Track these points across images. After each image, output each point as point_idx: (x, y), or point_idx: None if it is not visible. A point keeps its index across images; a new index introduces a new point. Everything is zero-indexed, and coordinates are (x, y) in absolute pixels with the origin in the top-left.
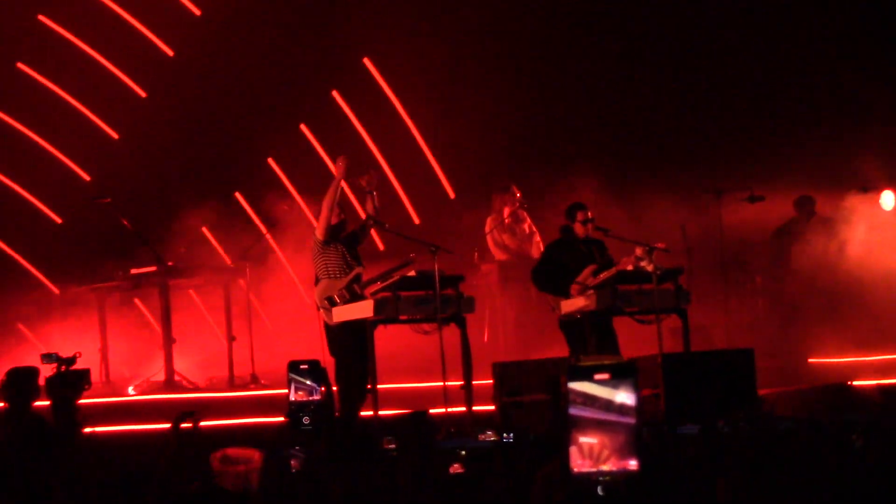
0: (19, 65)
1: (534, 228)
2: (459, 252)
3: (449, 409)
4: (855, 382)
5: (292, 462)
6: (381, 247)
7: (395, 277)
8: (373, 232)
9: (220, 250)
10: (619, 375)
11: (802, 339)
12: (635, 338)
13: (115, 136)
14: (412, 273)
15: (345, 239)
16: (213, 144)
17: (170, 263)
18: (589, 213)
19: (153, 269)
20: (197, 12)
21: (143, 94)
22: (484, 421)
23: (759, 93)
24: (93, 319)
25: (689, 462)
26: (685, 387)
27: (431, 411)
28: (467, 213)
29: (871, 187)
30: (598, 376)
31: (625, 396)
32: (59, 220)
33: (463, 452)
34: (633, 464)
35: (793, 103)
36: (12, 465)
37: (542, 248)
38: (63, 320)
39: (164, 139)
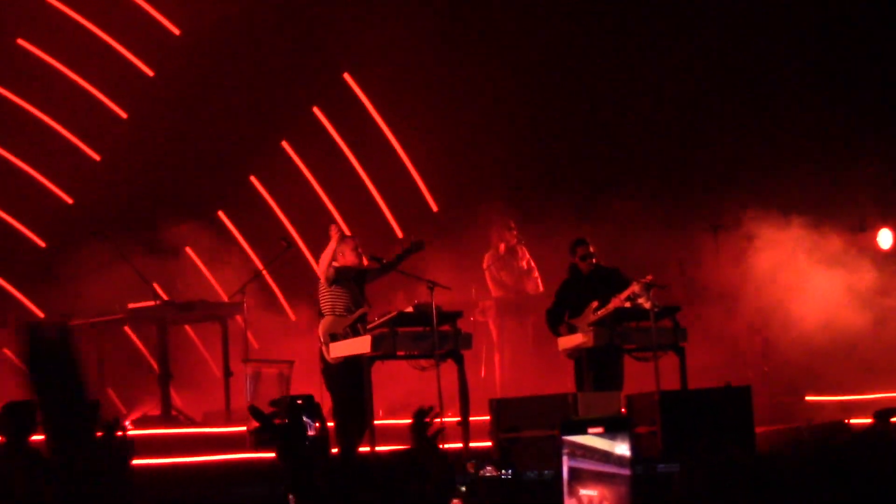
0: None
1: (532, 264)
2: (456, 287)
3: (446, 446)
4: (851, 421)
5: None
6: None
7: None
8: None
9: (213, 280)
10: (614, 428)
11: (800, 377)
12: (638, 373)
13: (97, 157)
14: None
15: (353, 278)
16: (195, 162)
17: (166, 298)
18: (590, 248)
19: (152, 304)
20: (176, 32)
21: (124, 114)
22: (481, 457)
23: (761, 130)
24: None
25: (677, 499)
26: (682, 424)
27: None
28: (451, 228)
29: (867, 226)
30: (592, 430)
31: (622, 448)
32: (42, 245)
33: (463, 489)
34: None
35: (794, 140)
36: (9, 499)
37: (539, 284)
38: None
39: (147, 159)
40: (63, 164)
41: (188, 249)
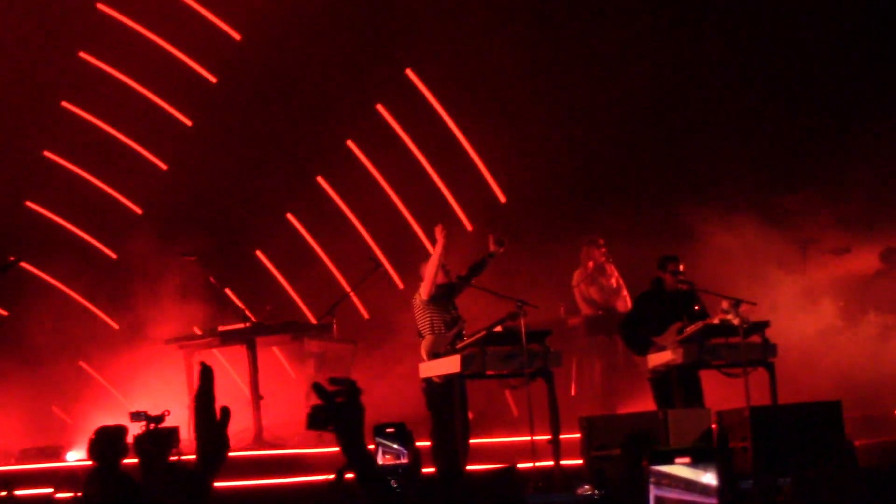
0: (64, 103)
1: (621, 282)
2: (544, 304)
3: (537, 464)
4: None
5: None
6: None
7: (500, 328)
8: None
9: (303, 307)
10: (701, 459)
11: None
12: (724, 390)
13: (163, 167)
14: (519, 322)
15: (445, 293)
16: (261, 167)
17: (254, 320)
18: (680, 266)
19: (241, 326)
20: (237, 37)
21: (188, 122)
22: (572, 475)
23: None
24: (178, 373)
25: None
26: (773, 439)
27: (520, 466)
28: (524, 224)
29: None
30: (679, 460)
31: (708, 477)
32: (114, 256)
33: None
34: None
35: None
36: None
37: (628, 303)
38: (146, 374)
39: (213, 166)
40: (130, 174)
41: (259, 254)
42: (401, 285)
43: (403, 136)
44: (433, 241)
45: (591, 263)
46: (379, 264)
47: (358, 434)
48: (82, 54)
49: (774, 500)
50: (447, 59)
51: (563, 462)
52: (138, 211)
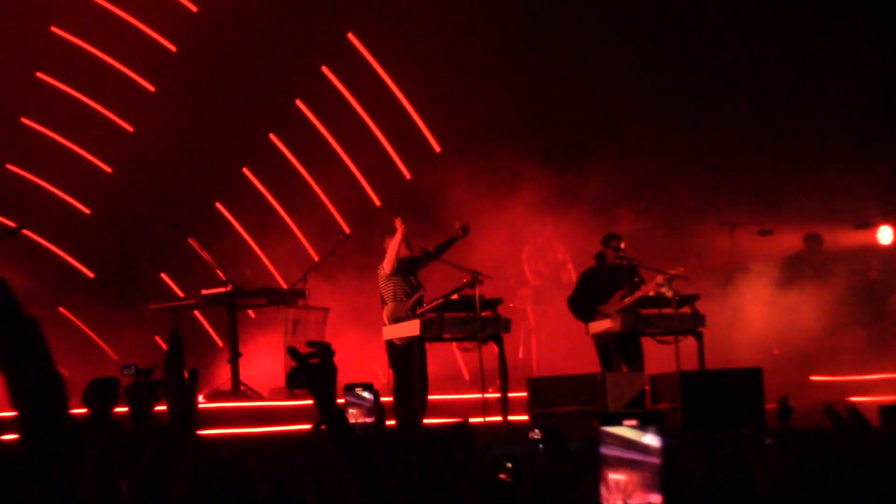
0: (38, 74)
1: (567, 256)
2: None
3: (487, 419)
4: (853, 398)
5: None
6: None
7: (457, 296)
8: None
9: (275, 273)
10: (647, 422)
11: (806, 358)
12: (658, 355)
13: (130, 128)
14: (474, 290)
15: (407, 266)
16: (217, 129)
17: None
18: (622, 244)
19: (223, 290)
20: (194, 8)
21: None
22: (519, 430)
23: (770, 131)
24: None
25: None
26: (700, 401)
27: (472, 421)
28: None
29: (868, 223)
30: (627, 422)
31: (650, 438)
32: (87, 211)
33: (509, 465)
34: (656, 499)
35: (800, 141)
36: (93, 465)
37: (573, 275)
38: (139, 333)
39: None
40: (101, 137)
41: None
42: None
43: (347, 95)
44: (390, 218)
45: (539, 239)
46: (348, 237)
47: (330, 392)
48: (53, 28)
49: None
50: (388, 21)
51: (510, 418)
52: (108, 170)
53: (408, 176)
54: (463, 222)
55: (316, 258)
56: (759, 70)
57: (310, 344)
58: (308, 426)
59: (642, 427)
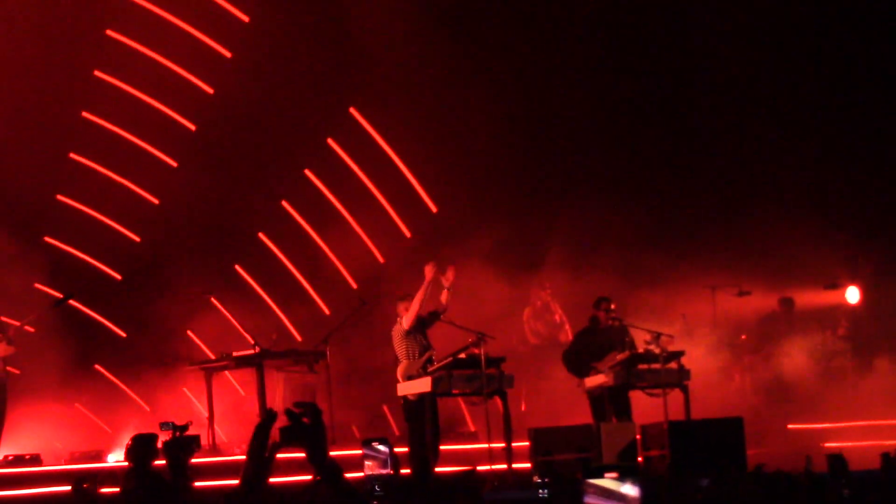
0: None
1: (564, 318)
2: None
3: (493, 467)
4: (826, 444)
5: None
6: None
7: (464, 355)
8: None
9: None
10: (625, 474)
11: (783, 409)
12: (648, 407)
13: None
14: (477, 350)
15: (418, 326)
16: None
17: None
18: (612, 306)
19: (252, 352)
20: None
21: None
22: (522, 476)
23: (745, 197)
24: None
25: None
26: (687, 448)
27: (479, 468)
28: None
29: (838, 284)
30: (608, 475)
31: (628, 488)
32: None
33: None
34: None
35: (773, 208)
36: None
37: (570, 335)
38: (172, 392)
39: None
40: (127, 207)
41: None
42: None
43: (351, 164)
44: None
45: (538, 302)
46: (365, 302)
47: (322, 446)
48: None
49: (692, 500)
50: (387, 93)
51: (514, 465)
52: (137, 239)
53: (408, 234)
54: (434, 265)
55: (328, 313)
56: (727, 143)
57: (297, 405)
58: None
59: (621, 478)
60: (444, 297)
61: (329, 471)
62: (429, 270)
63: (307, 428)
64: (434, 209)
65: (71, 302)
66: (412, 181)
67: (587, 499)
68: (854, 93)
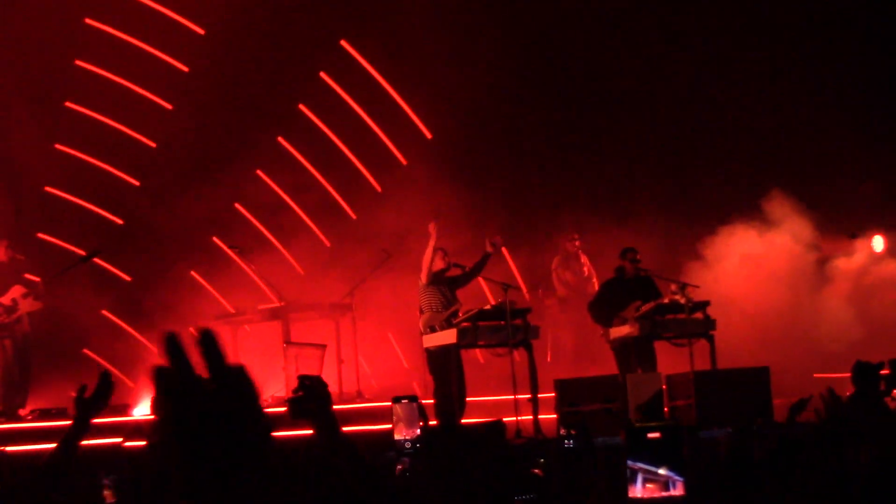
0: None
1: (592, 271)
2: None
3: (519, 418)
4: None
5: (398, 466)
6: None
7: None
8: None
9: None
10: (671, 436)
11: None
12: (672, 357)
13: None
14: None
15: (446, 280)
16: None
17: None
18: (637, 255)
19: (277, 304)
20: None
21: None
22: (547, 427)
23: (766, 142)
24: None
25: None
26: (712, 398)
27: (504, 419)
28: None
29: (860, 233)
30: (651, 434)
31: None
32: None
33: (542, 460)
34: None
35: (803, 156)
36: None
37: (596, 287)
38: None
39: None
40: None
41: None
42: (353, 216)
43: (346, 97)
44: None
45: (571, 247)
46: (390, 253)
47: (330, 420)
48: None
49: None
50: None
51: (540, 416)
52: (136, 183)
53: (404, 161)
54: (493, 238)
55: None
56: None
57: (302, 378)
58: (356, 427)
59: (669, 473)
60: (477, 259)
61: (338, 444)
62: (432, 228)
63: (313, 401)
64: (428, 135)
65: (81, 253)
66: (407, 110)
67: (630, 463)
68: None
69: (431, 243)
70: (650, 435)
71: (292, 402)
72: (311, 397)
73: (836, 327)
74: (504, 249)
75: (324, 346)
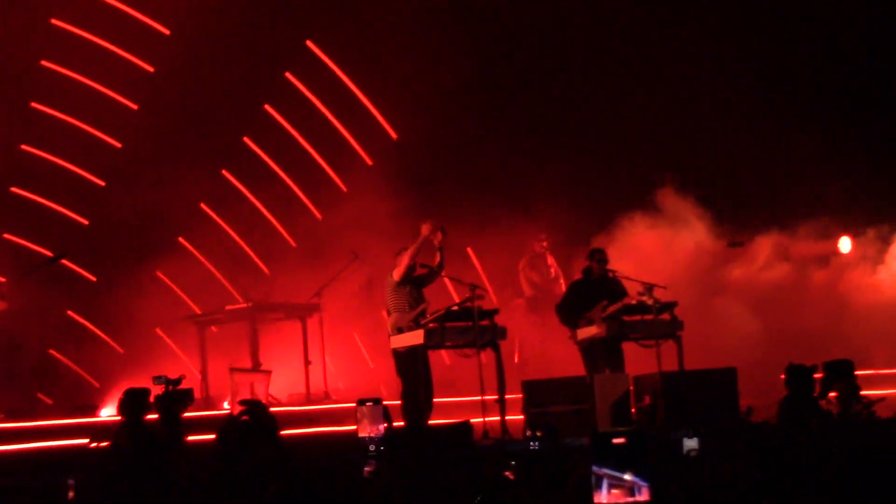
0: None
1: (559, 271)
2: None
3: (486, 419)
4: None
5: (365, 469)
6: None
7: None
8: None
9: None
10: (634, 442)
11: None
12: (640, 358)
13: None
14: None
15: (414, 279)
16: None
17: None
18: (606, 256)
19: (244, 306)
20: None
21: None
22: (515, 428)
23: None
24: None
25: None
26: (679, 399)
27: (472, 420)
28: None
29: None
30: (615, 440)
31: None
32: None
33: (514, 462)
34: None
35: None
36: (127, 466)
37: (563, 288)
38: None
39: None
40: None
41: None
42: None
43: (311, 97)
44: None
45: (538, 248)
46: (357, 254)
47: (271, 443)
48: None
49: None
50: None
51: (507, 417)
52: (101, 183)
53: (369, 162)
54: (433, 233)
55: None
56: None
57: (243, 402)
58: (323, 427)
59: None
60: (436, 258)
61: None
62: (425, 227)
63: (249, 427)
64: (393, 136)
65: (48, 254)
66: (373, 111)
67: (596, 469)
68: None
69: (419, 241)
70: (615, 440)
71: (234, 427)
72: (254, 423)
73: (731, 326)
74: (469, 250)
75: (269, 373)
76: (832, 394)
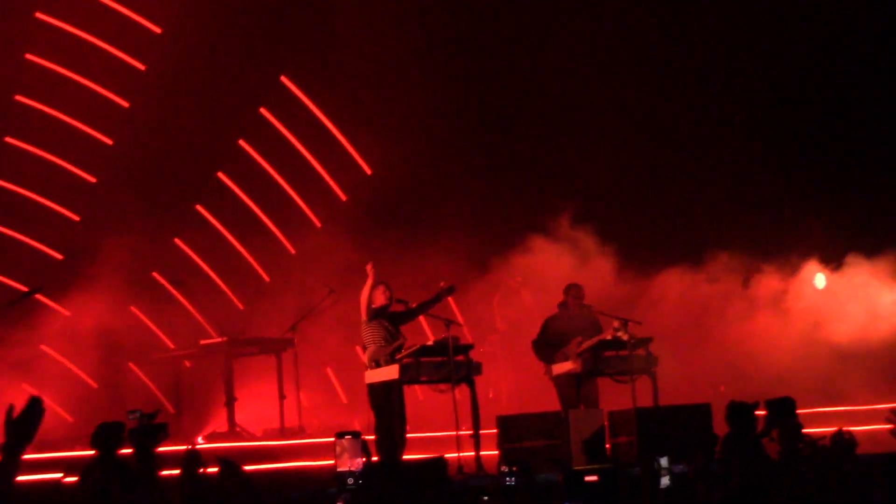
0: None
1: (534, 306)
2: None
3: (461, 454)
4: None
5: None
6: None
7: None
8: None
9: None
10: (607, 478)
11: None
12: (615, 394)
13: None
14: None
15: (389, 315)
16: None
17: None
18: (582, 293)
19: (219, 340)
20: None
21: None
22: (490, 463)
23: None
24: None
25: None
26: (654, 434)
27: (446, 456)
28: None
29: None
30: (588, 478)
31: None
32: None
33: (486, 498)
34: None
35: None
36: (99, 501)
37: (539, 324)
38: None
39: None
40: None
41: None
42: (292, 251)
43: (285, 132)
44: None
45: (512, 283)
46: (332, 290)
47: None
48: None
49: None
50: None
51: (482, 453)
52: (75, 218)
53: (343, 198)
54: (448, 283)
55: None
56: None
57: (219, 460)
58: (299, 462)
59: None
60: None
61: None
62: (369, 268)
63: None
64: (368, 171)
65: (22, 288)
66: (347, 146)
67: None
68: None
69: (369, 282)
70: (588, 478)
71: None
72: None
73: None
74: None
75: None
76: (774, 432)
